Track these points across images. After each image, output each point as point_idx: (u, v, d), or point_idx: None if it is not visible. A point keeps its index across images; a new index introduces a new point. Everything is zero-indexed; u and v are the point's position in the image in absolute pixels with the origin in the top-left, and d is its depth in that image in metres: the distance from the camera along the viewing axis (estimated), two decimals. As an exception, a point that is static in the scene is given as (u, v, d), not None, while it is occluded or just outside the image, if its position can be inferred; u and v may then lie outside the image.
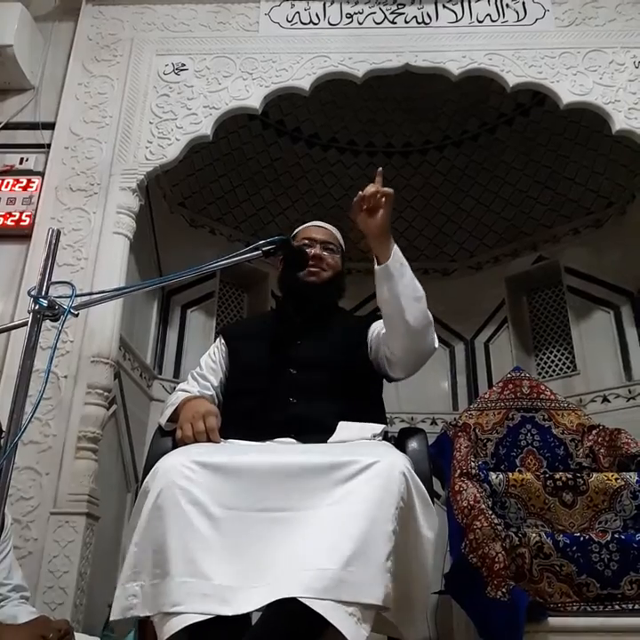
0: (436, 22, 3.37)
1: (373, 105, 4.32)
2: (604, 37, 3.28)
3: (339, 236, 1.98)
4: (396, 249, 1.65)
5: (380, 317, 1.79)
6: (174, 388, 3.76)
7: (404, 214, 4.58)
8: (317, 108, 4.23)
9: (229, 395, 1.82)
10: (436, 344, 1.71)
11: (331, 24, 3.39)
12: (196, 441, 1.54)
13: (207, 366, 1.87)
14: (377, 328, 1.80)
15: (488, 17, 3.37)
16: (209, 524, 1.28)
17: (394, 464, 1.34)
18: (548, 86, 3.19)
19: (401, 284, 1.61)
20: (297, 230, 2.00)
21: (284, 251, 1.59)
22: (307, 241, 1.89)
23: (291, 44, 3.33)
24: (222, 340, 1.92)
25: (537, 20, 3.34)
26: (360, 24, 3.39)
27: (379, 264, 1.64)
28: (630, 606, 2.14)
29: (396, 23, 3.38)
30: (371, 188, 1.63)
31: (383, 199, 1.63)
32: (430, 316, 1.67)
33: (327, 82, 3.36)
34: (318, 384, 1.69)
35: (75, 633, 1.79)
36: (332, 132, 4.43)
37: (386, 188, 1.64)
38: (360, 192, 1.64)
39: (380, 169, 1.70)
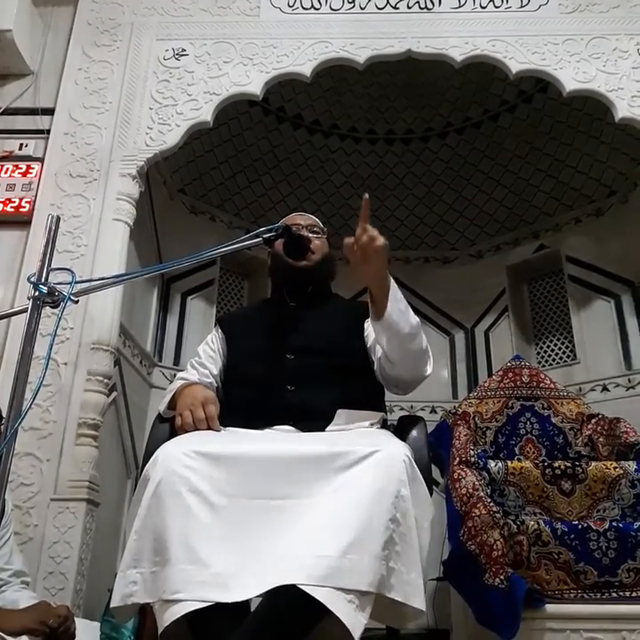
0: (439, 8, 3.34)
1: (375, 91, 4.30)
2: (607, 24, 3.25)
3: (319, 223, 2.02)
4: (392, 296, 1.55)
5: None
6: (174, 375, 3.77)
7: (406, 202, 4.57)
8: (318, 94, 4.21)
9: (228, 382, 1.82)
10: (429, 370, 1.70)
11: (332, 9, 3.36)
12: (196, 429, 1.54)
13: (206, 355, 1.88)
14: (372, 334, 1.76)
15: (491, 3, 3.34)
16: (209, 512, 1.28)
17: (394, 453, 1.34)
18: (551, 73, 3.17)
19: (398, 337, 1.58)
20: (281, 221, 2.00)
21: (284, 238, 1.58)
22: (294, 227, 1.89)
23: (292, 29, 3.30)
24: (219, 329, 1.93)
25: (540, 6, 3.31)
26: (362, 9, 3.35)
27: (376, 314, 1.58)
28: (627, 594, 2.16)
29: (398, 8, 3.35)
30: (364, 238, 1.47)
31: (377, 252, 1.48)
32: (425, 346, 1.65)
33: (328, 68, 3.33)
34: (315, 370, 1.69)
35: (75, 618, 1.80)
36: (333, 118, 4.40)
37: (377, 243, 1.47)
38: (347, 240, 1.49)
39: (366, 196, 1.50)
